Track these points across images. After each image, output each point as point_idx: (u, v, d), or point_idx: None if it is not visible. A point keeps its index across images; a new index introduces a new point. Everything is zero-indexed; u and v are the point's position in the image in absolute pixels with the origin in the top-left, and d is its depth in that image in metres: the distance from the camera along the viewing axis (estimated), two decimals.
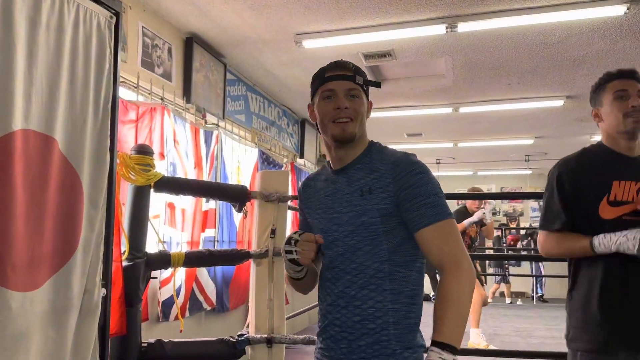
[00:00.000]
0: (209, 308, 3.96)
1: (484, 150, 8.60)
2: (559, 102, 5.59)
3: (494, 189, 12.32)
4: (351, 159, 1.34)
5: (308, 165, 6.81)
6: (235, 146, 4.68)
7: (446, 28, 3.75)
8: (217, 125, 4.29)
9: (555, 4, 3.45)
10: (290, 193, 3.02)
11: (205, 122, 4.14)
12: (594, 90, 1.76)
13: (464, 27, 3.74)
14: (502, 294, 9.28)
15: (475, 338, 4.79)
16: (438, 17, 3.70)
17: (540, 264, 9.82)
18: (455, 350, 1.11)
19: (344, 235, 1.30)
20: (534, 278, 9.70)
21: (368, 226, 1.26)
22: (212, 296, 3.99)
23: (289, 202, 3.00)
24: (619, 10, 3.42)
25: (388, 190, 1.26)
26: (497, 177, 11.99)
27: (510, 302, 9.03)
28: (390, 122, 6.77)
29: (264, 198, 2.91)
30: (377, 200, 1.26)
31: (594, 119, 1.76)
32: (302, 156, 6.64)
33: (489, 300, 8.61)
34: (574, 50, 4.27)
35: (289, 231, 3.25)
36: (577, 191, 1.65)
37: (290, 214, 3.74)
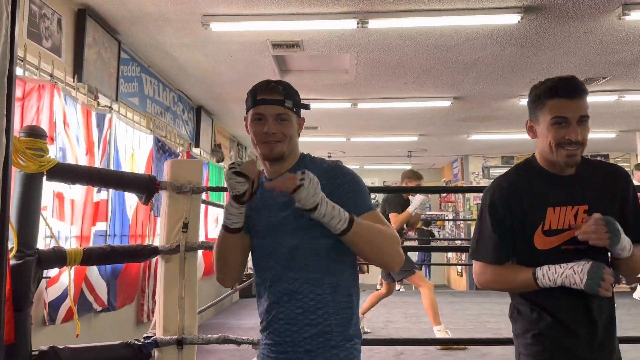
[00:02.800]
0: (99, 308, 3.61)
1: (373, 145, 8.93)
2: (447, 103, 5.97)
3: (377, 182, 12.92)
4: (284, 170, 1.44)
5: (204, 155, 6.53)
6: (129, 132, 4.32)
7: (357, 23, 3.79)
8: (110, 107, 3.92)
9: (459, 8, 3.65)
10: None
11: (98, 104, 3.75)
12: (532, 100, 1.52)
13: (374, 23, 3.81)
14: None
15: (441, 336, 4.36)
16: (350, 12, 3.72)
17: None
18: (351, 222, 1.28)
19: (283, 241, 1.40)
20: (423, 266, 10.32)
21: (309, 227, 1.35)
22: (103, 295, 3.64)
23: (203, 195, 2.82)
24: (514, 19, 3.71)
25: (323, 192, 1.34)
26: (381, 171, 12.57)
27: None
28: None
29: (175, 189, 2.70)
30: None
31: (527, 132, 1.56)
32: (197, 145, 6.35)
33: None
34: (468, 54, 4.56)
35: (203, 225, 3.06)
36: (510, 218, 1.51)
37: (203, 207, 3.50)
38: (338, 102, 6.07)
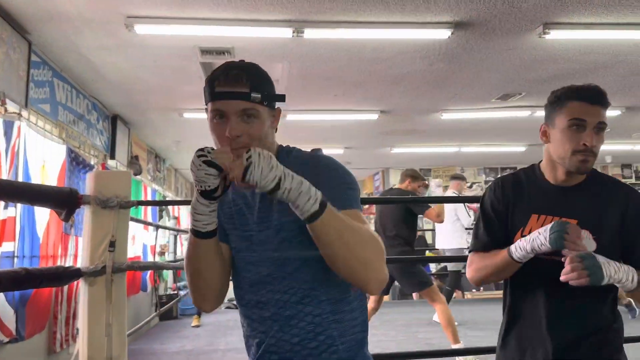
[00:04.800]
0: (6, 339, 3.18)
1: None
2: (374, 116, 6.04)
3: None
4: None
5: (120, 167, 6.11)
6: (39, 141, 3.90)
7: (293, 32, 3.71)
8: (19, 115, 3.51)
9: (394, 22, 3.67)
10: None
11: (6, 110, 3.35)
12: (551, 102, 1.49)
13: (310, 33, 3.74)
14: None
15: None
16: (286, 20, 3.63)
17: None
18: (323, 205, 1.00)
19: (267, 255, 1.15)
20: None
21: (292, 239, 1.12)
22: (11, 325, 3.22)
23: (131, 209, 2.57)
24: (445, 34, 3.80)
25: None
26: None
27: None
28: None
29: (100, 204, 2.44)
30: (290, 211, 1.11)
31: (540, 137, 1.52)
32: (113, 157, 5.92)
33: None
34: (398, 68, 4.63)
35: (131, 243, 2.79)
36: (498, 213, 1.52)
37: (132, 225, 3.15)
38: None
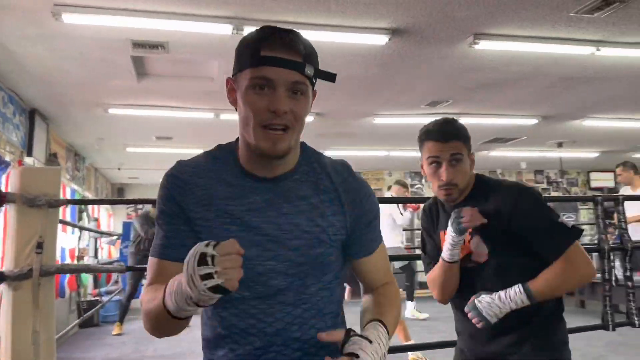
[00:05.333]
0: None
1: None
2: (310, 118, 6.07)
3: None
4: (286, 168, 1.01)
5: (37, 165, 5.70)
6: None
7: (233, 29, 3.64)
8: None
9: (334, 25, 3.71)
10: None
11: None
12: (418, 139, 1.64)
13: (250, 31, 3.68)
14: None
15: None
16: (226, 17, 3.56)
17: None
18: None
19: (286, 267, 0.98)
20: None
21: (324, 257, 1.00)
22: None
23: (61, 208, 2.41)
24: (382, 39, 3.89)
25: (344, 217, 1.03)
26: None
27: None
28: (140, 122, 6.22)
29: (26, 202, 2.26)
30: (334, 230, 1.01)
31: (421, 170, 1.67)
32: (30, 154, 5.51)
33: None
34: (335, 71, 4.59)
35: (60, 243, 2.61)
36: (428, 238, 1.73)
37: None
38: (199, 111, 5.79)
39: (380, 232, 1.11)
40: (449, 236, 1.52)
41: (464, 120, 5.92)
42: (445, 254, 1.55)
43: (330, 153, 8.64)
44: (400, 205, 5.75)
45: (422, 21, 3.73)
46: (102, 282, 8.28)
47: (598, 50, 4.24)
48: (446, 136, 1.52)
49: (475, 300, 1.48)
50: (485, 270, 1.54)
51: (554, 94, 5.68)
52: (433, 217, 1.72)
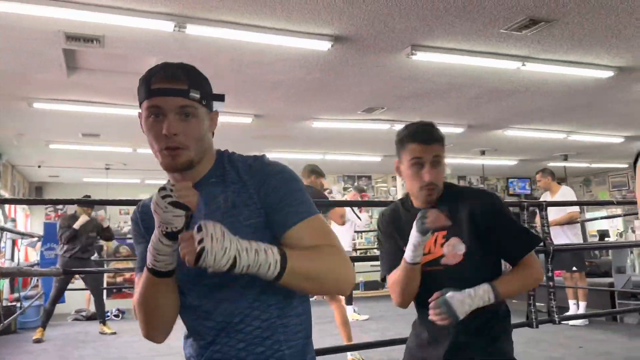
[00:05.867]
0: None
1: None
2: (248, 120, 6.03)
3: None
4: (201, 174, 1.15)
5: None
6: None
7: (175, 27, 3.55)
8: None
9: (278, 28, 3.73)
10: None
11: None
12: (397, 143, 1.67)
13: (193, 29, 3.62)
14: None
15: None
16: (168, 13, 3.47)
17: None
18: (284, 263, 0.99)
19: None
20: None
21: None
22: None
23: None
24: (325, 45, 3.96)
25: (253, 201, 1.10)
26: None
27: None
28: (66, 117, 5.90)
29: None
30: (246, 215, 1.10)
31: (396, 171, 1.72)
32: None
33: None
34: (276, 73, 4.69)
35: None
36: (390, 240, 1.71)
37: None
38: (131, 108, 5.57)
39: (304, 208, 1.10)
40: (412, 237, 1.52)
41: (396, 128, 6.11)
42: (408, 255, 1.55)
43: (267, 155, 8.68)
44: (355, 209, 5.88)
45: (364, 30, 3.84)
46: (19, 287, 7.74)
47: (523, 65, 4.56)
48: (430, 139, 1.59)
49: (447, 297, 1.47)
50: (456, 273, 1.55)
51: (480, 104, 6.02)
52: (395, 221, 1.71)
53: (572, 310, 5.33)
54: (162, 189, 0.98)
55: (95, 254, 7.78)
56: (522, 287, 1.59)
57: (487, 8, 3.56)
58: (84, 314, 7.87)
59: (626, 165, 11.16)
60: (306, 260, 1.02)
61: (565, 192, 5.74)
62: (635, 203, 1.81)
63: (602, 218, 8.99)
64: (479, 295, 1.49)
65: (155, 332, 1.14)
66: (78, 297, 8.08)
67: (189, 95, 1.07)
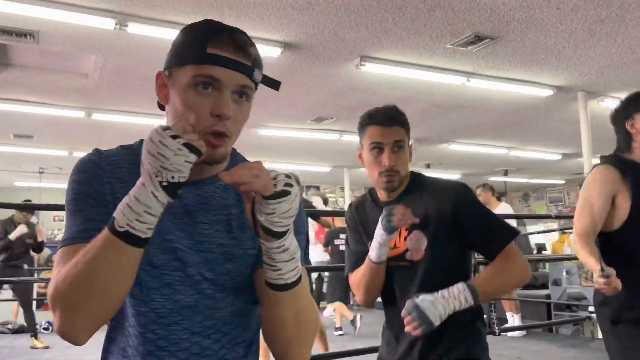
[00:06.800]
0: None
1: None
2: None
3: None
4: (212, 171, 0.90)
5: None
6: None
7: (115, 24, 3.39)
8: None
9: None
10: None
11: None
12: (358, 128, 1.56)
13: (135, 28, 3.47)
14: None
15: None
16: (109, 10, 3.31)
17: None
18: (300, 278, 0.84)
19: (194, 282, 0.87)
20: None
21: (235, 275, 0.89)
22: None
23: None
24: (275, 52, 3.90)
25: None
26: None
27: None
28: None
29: None
30: (251, 244, 0.91)
31: (358, 159, 1.58)
32: None
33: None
34: None
35: None
36: (360, 235, 1.58)
37: None
38: (68, 109, 5.29)
39: (303, 255, 0.96)
40: (377, 235, 1.40)
41: (345, 138, 6.19)
42: (372, 253, 1.44)
43: None
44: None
45: (314, 38, 3.81)
46: None
47: (468, 80, 4.67)
48: (389, 121, 1.48)
49: (417, 300, 1.34)
50: (421, 268, 1.45)
51: (427, 118, 6.12)
52: (361, 213, 1.60)
53: (510, 322, 5.46)
54: (165, 127, 0.74)
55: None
56: (504, 284, 1.47)
57: (434, 23, 3.62)
58: (10, 326, 7.36)
59: (563, 181, 11.72)
60: (307, 289, 0.88)
61: (504, 208, 5.90)
62: (570, 217, 1.85)
63: (539, 232, 9.34)
64: (454, 296, 1.35)
65: (85, 325, 0.79)
66: (3, 309, 7.56)
67: (253, 76, 0.85)
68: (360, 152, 1.56)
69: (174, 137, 0.73)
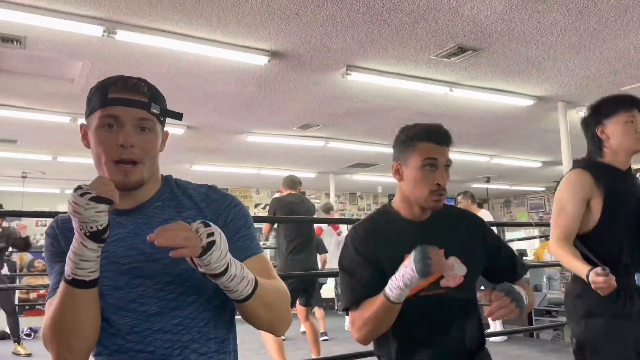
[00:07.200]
0: None
1: (83, 167, 8.01)
2: (180, 131, 5.87)
3: None
4: (146, 197, 1.07)
5: None
6: None
7: (104, 32, 3.41)
8: None
9: (214, 40, 3.67)
10: None
11: None
12: (401, 142, 1.49)
13: (123, 35, 3.49)
14: None
15: None
16: (97, 17, 3.33)
17: None
18: (256, 283, 0.96)
19: (156, 290, 1.00)
20: None
21: (192, 273, 0.98)
22: None
23: None
24: (262, 60, 3.94)
25: None
26: None
27: None
28: None
29: None
30: None
31: (393, 175, 1.52)
32: None
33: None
34: (211, 85, 4.61)
35: None
36: (363, 267, 1.44)
37: None
38: (53, 114, 5.27)
39: (256, 243, 1.10)
40: (405, 276, 1.26)
41: (331, 145, 6.26)
42: (393, 293, 1.30)
43: (198, 168, 8.42)
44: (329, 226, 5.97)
45: (301, 48, 3.86)
46: None
47: (451, 90, 4.76)
48: (444, 139, 1.46)
49: (509, 286, 1.31)
50: (462, 294, 1.42)
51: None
52: (375, 239, 1.48)
53: (492, 327, 5.55)
54: (78, 188, 0.88)
55: (6, 268, 7.23)
56: (531, 304, 1.48)
57: (419, 34, 3.70)
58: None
59: (543, 188, 11.92)
60: (269, 289, 1.00)
61: (484, 216, 6.01)
62: (550, 225, 1.91)
63: (519, 239, 9.48)
64: (522, 292, 1.32)
65: (73, 356, 0.98)
66: None
67: (150, 109, 1.01)
68: (399, 167, 1.50)
69: (83, 194, 0.87)
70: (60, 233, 1.07)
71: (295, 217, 4.29)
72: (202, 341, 1.02)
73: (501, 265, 1.54)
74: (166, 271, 1.00)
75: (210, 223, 0.89)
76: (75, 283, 0.92)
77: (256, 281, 0.95)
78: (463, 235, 1.50)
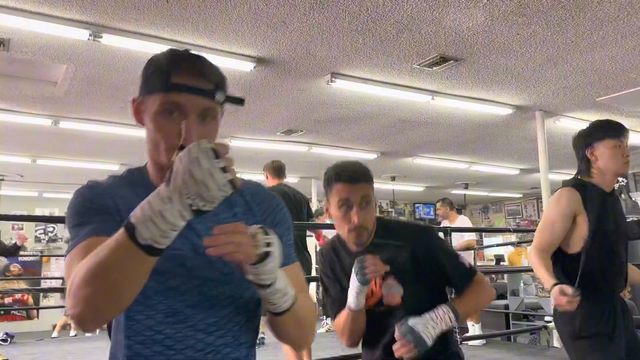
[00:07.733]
0: None
1: (63, 171, 7.92)
2: None
3: (57, 212, 11.45)
4: None
5: None
6: None
7: (90, 36, 3.40)
8: None
9: (200, 45, 3.69)
10: None
11: None
12: (324, 181, 1.59)
13: (110, 40, 3.49)
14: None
15: None
16: (83, 21, 3.33)
17: None
18: (294, 301, 0.94)
19: (197, 284, 0.95)
20: None
21: (237, 273, 0.90)
22: None
23: None
24: (249, 66, 3.98)
25: (254, 224, 0.94)
26: (64, 200, 11.20)
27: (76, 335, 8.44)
28: None
29: None
30: None
31: (325, 213, 1.63)
32: None
33: (55, 334, 7.80)
34: None
35: None
36: (329, 283, 1.64)
37: None
38: (34, 117, 5.21)
39: (294, 251, 1.07)
40: (353, 286, 1.45)
41: (314, 151, 6.31)
42: (351, 302, 1.48)
43: None
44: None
45: (286, 55, 3.91)
46: None
47: (433, 99, 4.86)
48: (355, 178, 1.51)
49: (410, 323, 1.40)
50: (400, 313, 1.50)
51: (392, 133, 6.30)
52: (334, 260, 1.65)
53: (471, 331, 5.64)
54: (215, 152, 0.74)
55: None
56: (477, 304, 1.59)
57: (402, 44, 3.78)
58: None
59: (521, 195, 12.15)
60: (302, 305, 0.95)
61: (463, 221, 6.11)
62: (528, 231, 2.00)
63: (497, 245, 9.65)
64: (440, 316, 1.42)
65: (92, 317, 0.84)
66: None
67: (215, 96, 0.91)
68: (328, 207, 1.59)
69: (224, 170, 0.74)
70: (107, 194, 0.96)
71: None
72: (234, 345, 0.97)
73: (448, 278, 1.58)
74: (212, 267, 0.94)
75: (270, 231, 0.85)
76: (149, 249, 0.77)
77: (295, 298, 0.92)
78: (400, 257, 1.54)
